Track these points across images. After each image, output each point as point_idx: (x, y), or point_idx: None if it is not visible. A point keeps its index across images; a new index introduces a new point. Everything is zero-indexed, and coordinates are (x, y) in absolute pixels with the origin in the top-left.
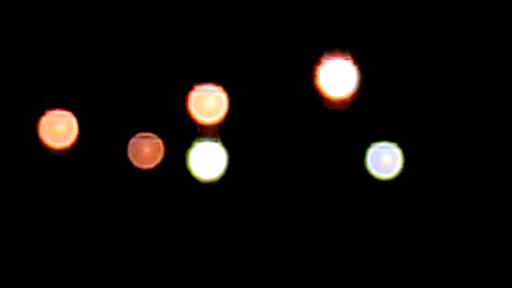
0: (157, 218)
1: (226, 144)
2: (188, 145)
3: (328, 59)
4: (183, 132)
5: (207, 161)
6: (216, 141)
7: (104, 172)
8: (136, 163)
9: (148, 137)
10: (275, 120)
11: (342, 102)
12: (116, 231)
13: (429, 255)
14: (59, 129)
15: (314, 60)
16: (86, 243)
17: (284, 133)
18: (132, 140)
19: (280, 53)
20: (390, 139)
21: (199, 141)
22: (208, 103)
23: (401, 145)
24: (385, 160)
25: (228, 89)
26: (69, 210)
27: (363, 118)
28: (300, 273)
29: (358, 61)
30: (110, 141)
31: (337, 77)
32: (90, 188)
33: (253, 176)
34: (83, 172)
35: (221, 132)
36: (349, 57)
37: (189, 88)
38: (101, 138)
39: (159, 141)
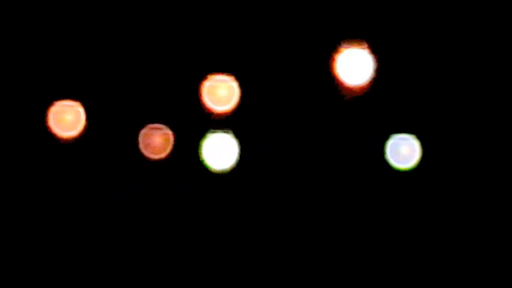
0: (167, 208)
1: (238, 135)
2: (199, 135)
3: (345, 47)
4: (194, 123)
5: (219, 151)
6: (228, 132)
7: (113, 162)
8: (147, 153)
9: (159, 128)
10: (290, 110)
11: (359, 90)
12: (126, 222)
13: (448, 246)
14: (67, 119)
15: (331, 49)
16: (95, 234)
17: (299, 123)
18: (143, 131)
19: (295, 40)
20: (408, 129)
21: (211, 132)
22: (221, 92)
23: (419, 136)
24: (404, 151)
25: (240, 78)
26: (78, 201)
27: (380, 108)
28: (316, 263)
29: (375, 49)
30: (120, 132)
31: (354, 66)
32: (99, 178)
33: (267, 167)
34: (92, 162)
35: (233, 122)
36: (366, 45)
37: (202, 78)
38: (111, 129)
39: (170, 132)
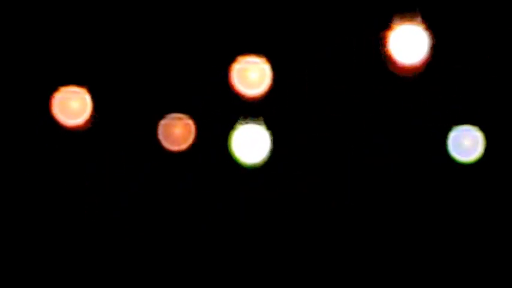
0: (189, 207)
1: (270, 123)
2: (226, 124)
3: (398, 23)
4: (220, 110)
5: (249, 143)
6: (260, 122)
7: (126, 155)
8: (167, 144)
9: (180, 118)
10: (332, 96)
11: (413, 69)
12: (142, 223)
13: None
14: (72, 106)
15: (383, 26)
16: (107, 230)
17: (344, 110)
18: (163, 121)
19: (338, 13)
20: (470, 120)
21: (241, 122)
22: (252, 75)
23: (482, 128)
24: (466, 143)
25: (272, 59)
26: (84, 197)
27: (438, 92)
28: (361, 252)
29: (430, 26)
30: (133, 121)
31: (408, 44)
32: (109, 172)
33: (304, 160)
34: (102, 154)
35: (265, 110)
36: (420, 21)
37: (231, 60)
38: (122, 117)
39: (191, 122)
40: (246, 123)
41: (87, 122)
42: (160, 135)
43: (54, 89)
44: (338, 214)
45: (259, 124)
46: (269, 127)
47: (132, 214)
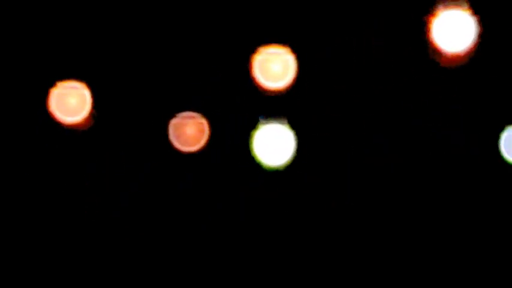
0: (204, 212)
1: (294, 120)
2: (245, 123)
3: (442, 9)
4: (239, 108)
5: (272, 144)
6: (283, 121)
7: (131, 156)
8: (178, 146)
9: (192, 116)
10: (365, 90)
11: (458, 59)
12: (150, 230)
13: None
14: (70, 102)
15: (425, 11)
16: (110, 241)
17: (379, 106)
18: (173, 120)
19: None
20: None
21: (263, 120)
22: (274, 67)
23: None
24: None
25: (297, 50)
26: (85, 200)
27: (486, 85)
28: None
29: (477, 11)
30: (145, 120)
31: (453, 31)
32: (111, 173)
33: (331, 160)
34: (104, 154)
35: (290, 105)
36: (467, 6)
37: (251, 51)
38: (128, 116)
39: (204, 121)
40: (269, 121)
41: (87, 120)
42: (171, 136)
43: (51, 84)
44: (376, 224)
45: (282, 123)
46: (293, 125)
47: (140, 226)
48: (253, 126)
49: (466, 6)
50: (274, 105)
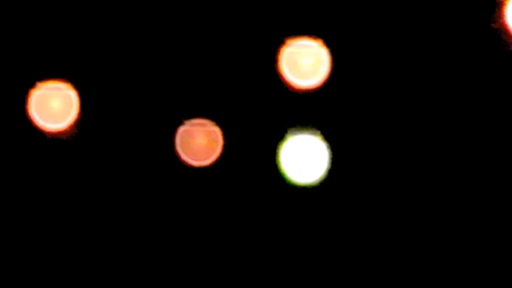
0: (216, 231)
1: (330, 127)
2: (269, 131)
3: None
4: (262, 111)
5: (302, 157)
6: (314, 133)
7: (131, 173)
8: (187, 159)
9: (203, 124)
10: (403, 88)
11: None
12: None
13: None
14: (53, 106)
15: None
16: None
17: (419, 107)
18: (181, 128)
19: None
20: None
21: (292, 129)
22: (305, 62)
23: None
24: None
25: (331, 44)
26: (72, 219)
27: None
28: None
29: None
30: (147, 128)
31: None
32: (110, 191)
33: (371, 172)
34: (98, 169)
35: (322, 107)
36: None
37: (280, 43)
38: (131, 124)
39: (217, 130)
40: (298, 130)
41: (73, 127)
42: (178, 147)
43: (30, 84)
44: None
45: (314, 132)
46: (327, 134)
47: (140, 255)
48: (279, 135)
49: None
50: (304, 109)
